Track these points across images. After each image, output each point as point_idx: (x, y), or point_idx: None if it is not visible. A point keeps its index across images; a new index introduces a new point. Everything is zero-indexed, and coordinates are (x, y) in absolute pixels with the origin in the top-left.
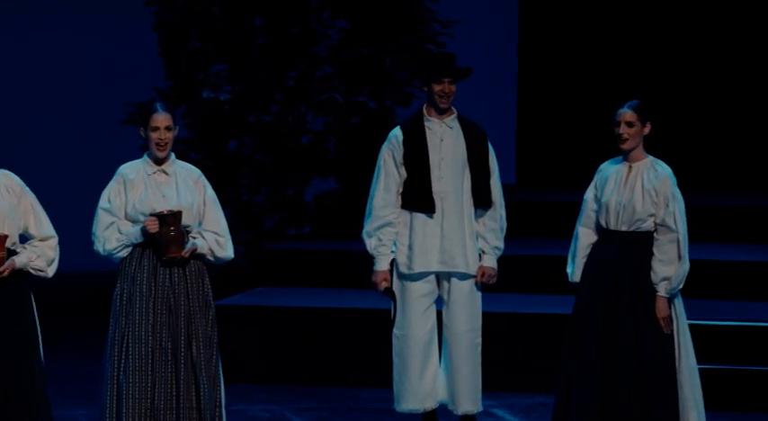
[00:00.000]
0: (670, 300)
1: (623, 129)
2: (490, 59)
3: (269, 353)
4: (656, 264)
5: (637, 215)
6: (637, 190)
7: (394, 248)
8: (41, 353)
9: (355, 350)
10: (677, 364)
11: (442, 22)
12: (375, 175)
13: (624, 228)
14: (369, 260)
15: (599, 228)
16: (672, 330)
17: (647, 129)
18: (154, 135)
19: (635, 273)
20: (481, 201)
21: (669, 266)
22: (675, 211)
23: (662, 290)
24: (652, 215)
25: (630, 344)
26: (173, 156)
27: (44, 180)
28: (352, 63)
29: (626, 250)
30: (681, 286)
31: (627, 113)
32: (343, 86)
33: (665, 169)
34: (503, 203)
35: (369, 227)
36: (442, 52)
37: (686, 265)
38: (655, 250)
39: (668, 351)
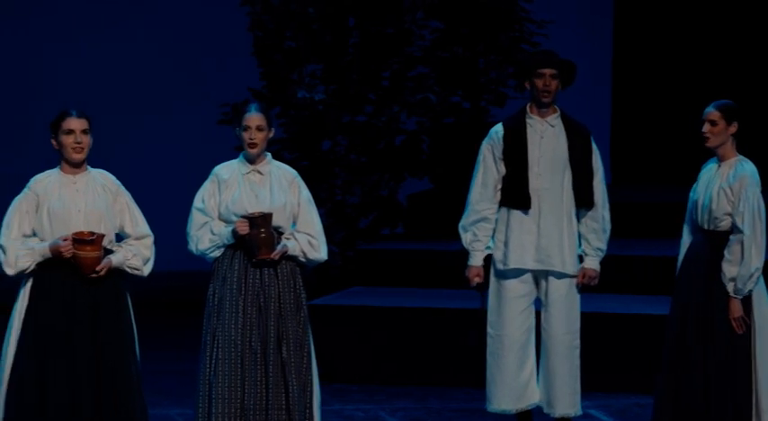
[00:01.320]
0: (745, 301)
1: (706, 128)
2: (585, 59)
3: (364, 353)
4: (724, 264)
5: (713, 213)
6: (715, 188)
7: (491, 245)
8: (137, 352)
9: (450, 350)
10: (753, 365)
11: (537, 21)
12: (474, 171)
13: (706, 227)
14: (463, 260)
15: (695, 226)
16: (750, 331)
17: (732, 129)
18: (246, 134)
19: (710, 272)
20: (583, 200)
21: (735, 267)
22: (745, 212)
23: (730, 290)
24: (728, 214)
25: (699, 344)
26: (268, 156)
27: (141, 179)
28: (446, 63)
29: (707, 249)
30: (748, 288)
31: (711, 112)
32: (437, 86)
33: (744, 169)
34: (606, 204)
35: (465, 221)
36: (544, 49)
37: (752, 267)
38: (725, 250)
39: (740, 352)
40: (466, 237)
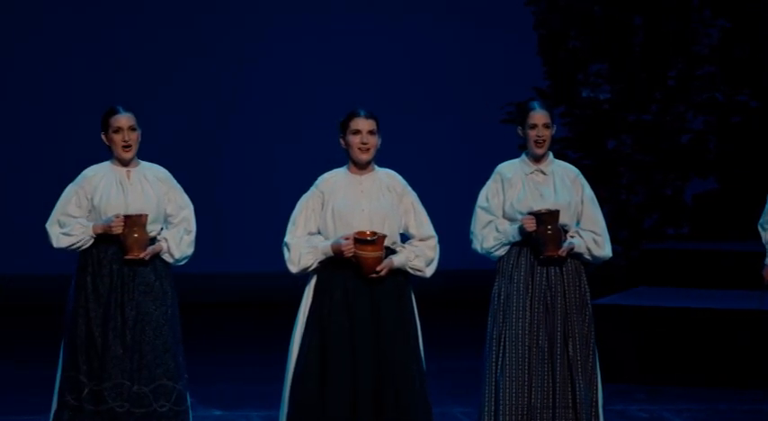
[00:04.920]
0: None
1: None
2: None
3: (647, 353)
4: None
5: None
6: None
7: None
8: (421, 352)
9: (735, 351)
10: None
11: None
12: None
13: None
14: (749, 261)
15: None
16: None
17: None
18: (532, 132)
19: None
20: None
21: None
22: None
23: None
24: None
25: None
26: (550, 155)
27: (425, 179)
28: (734, 62)
29: None
30: None
31: None
32: (724, 85)
33: None
34: None
35: (762, 219)
36: None
37: None
38: None
39: None
40: (764, 236)
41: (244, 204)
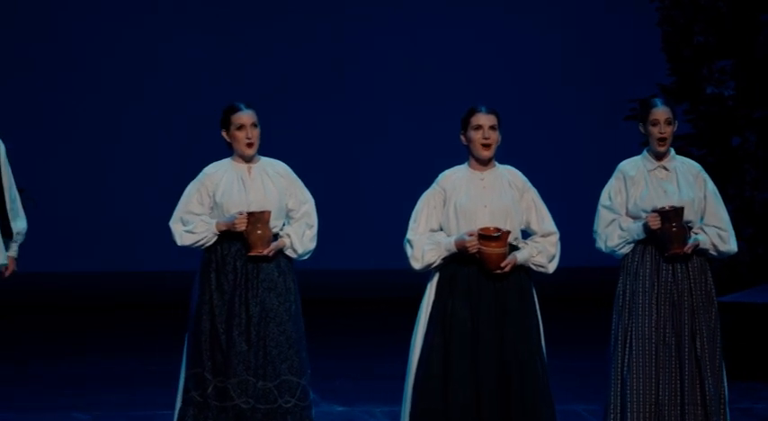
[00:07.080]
0: None
1: None
2: None
3: None
4: None
5: None
6: None
7: None
8: (544, 349)
9: None
10: None
11: None
12: None
13: None
14: None
15: None
16: None
17: None
18: (653, 129)
19: None
20: None
21: None
22: None
23: None
24: None
25: None
26: (672, 151)
27: (545, 176)
28: None
29: None
30: None
31: None
32: None
33: None
34: None
35: None
36: None
37: None
38: None
39: None
40: None
41: (369, 199)
